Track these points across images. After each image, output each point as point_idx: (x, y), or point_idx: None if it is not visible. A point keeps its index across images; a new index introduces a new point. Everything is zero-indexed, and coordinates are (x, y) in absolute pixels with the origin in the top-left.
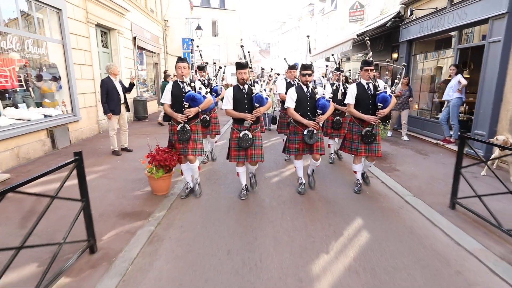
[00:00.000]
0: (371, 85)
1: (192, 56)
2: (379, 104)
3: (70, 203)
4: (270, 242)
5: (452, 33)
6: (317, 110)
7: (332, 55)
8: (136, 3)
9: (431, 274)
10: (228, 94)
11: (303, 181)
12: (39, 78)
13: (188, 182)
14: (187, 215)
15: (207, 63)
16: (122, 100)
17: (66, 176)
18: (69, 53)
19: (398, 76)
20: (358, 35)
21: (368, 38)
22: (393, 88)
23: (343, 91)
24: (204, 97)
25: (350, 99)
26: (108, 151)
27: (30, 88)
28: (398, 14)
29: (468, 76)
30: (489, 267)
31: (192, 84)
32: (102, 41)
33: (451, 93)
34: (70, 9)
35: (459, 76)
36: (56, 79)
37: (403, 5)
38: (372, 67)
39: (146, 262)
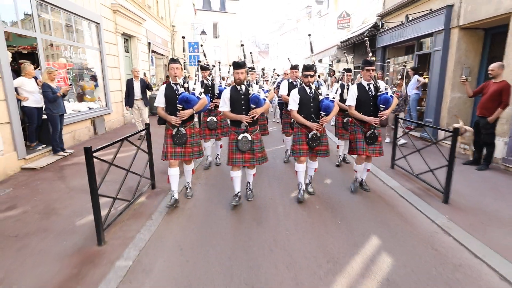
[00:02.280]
0: (372, 86)
1: (204, 58)
2: (381, 105)
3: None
4: (267, 252)
5: (413, 42)
6: (321, 112)
7: (330, 65)
8: (150, 12)
9: (372, 202)
10: (225, 95)
11: (304, 187)
12: (82, 78)
13: (173, 191)
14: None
15: (213, 66)
16: (137, 97)
17: (144, 137)
18: (104, 58)
19: (399, 76)
20: (342, 42)
21: (367, 38)
22: (394, 89)
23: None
24: (198, 98)
25: (351, 100)
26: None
27: (74, 86)
28: (375, 24)
29: (427, 76)
30: (401, 195)
31: (186, 85)
32: (124, 47)
33: (411, 90)
34: (105, 22)
35: (417, 76)
36: (94, 79)
37: (379, 17)
38: (373, 67)
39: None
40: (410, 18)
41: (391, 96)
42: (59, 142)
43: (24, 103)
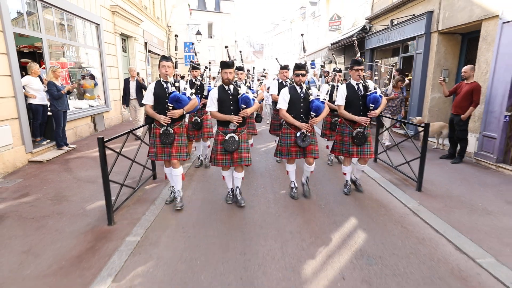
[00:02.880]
0: (361, 86)
1: (194, 57)
2: (370, 105)
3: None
4: (262, 256)
5: (398, 45)
6: (311, 112)
7: (322, 66)
8: (147, 13)
9: (353, 190)
10: (213, 95)
11: (296, 185)
12: (83, 77)
13: (173, 186)
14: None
15: (206, 67)
16: (132, 97)
17: (148, 129)
18: (103, 58)
19: (388, 77)
20: (332, 44)
21: (355, 38)
22: (383, 89)
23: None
24: (189, 98)
25: (340, 100)
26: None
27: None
28: (364, 27)
29: (411, 78)
30: (380, 184)
31: (177, 84)
32: (122, 47)
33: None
34: (104, 23)
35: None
36: (93, 78)
37: (367, 20)
38: (362, 67)
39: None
40: (395, 22)
41: (380, 95)
42: (63, 137)
43: (30, 101)
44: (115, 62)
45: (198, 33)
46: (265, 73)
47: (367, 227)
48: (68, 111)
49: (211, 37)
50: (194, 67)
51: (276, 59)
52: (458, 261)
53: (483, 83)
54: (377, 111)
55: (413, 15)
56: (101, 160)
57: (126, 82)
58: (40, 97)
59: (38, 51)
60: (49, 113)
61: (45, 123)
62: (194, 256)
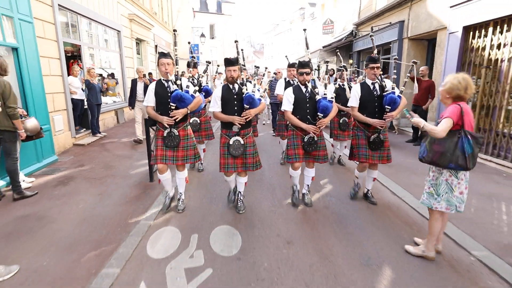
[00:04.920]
0: (377, 85)
1: (195, 56)
2: (386, 106)
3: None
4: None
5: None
6: (318, 113)
7: (318, 67)
8: (156, 18)
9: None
10: (216, 94)
11: (298, 188)
12: (111, 76)
13: (167, 192)
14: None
15: (208, 62)
16: (140, 98)
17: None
18: (123, 60)
19: (408, 75)
20: (324, 46)
21: (338, 50)
22: (401, 88)
23: (348, 90)
24: (193, 96)
25: (354, 101)
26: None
27: (101, 83)
28: (352, 32)
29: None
30: None
31: (178, 82)
32: (136, 50)
33: None
34: (124, 30)
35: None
36: (113, 76)
37: (354, 26)
38: (378, 65)
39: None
40: (376, 29)
41: (398, 96)
42: (96, 126)
43: (72, 96)
44: (132, 63)
45: (202, 35)
46: (268, 71)
47: (334, 189)
48: (101, 104)
49: (213, 38)
50: (192, 65)
51: (286, 56)
52: (396, 202)
53: (439, 81)
54: (394, 113)
55: (390, 23)
56: (146, 134)
57: (134, 83)
58: (79, 93)
59: (67, 54)
60: (85, 107)
61: (82, 115)
62: (211, 211)
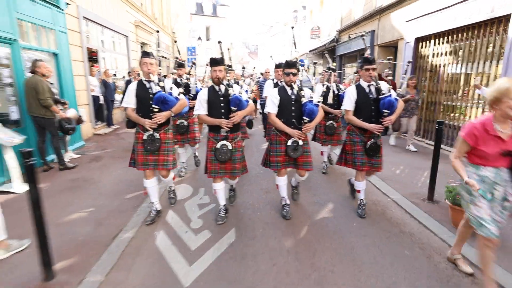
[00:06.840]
0: (373, 88)
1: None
2: (384, 110)
3: None
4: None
5: (356, 53)
6: (304, 117)
7: (307, 67)
8: (157, 22)
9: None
10: (201, 97)
11: (288, 202)
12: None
13: (153, 203)
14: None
15: (194, 63)
16: None
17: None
18: (130, 62)
19: (403, 76)
20: (310, 50)
21: (327, 52)
22: (398, 90)
23: (336, 92)
24: (177, 98)
25: (349, 104)
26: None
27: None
28: (335, 38)
29: None
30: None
31: (162, 84)
32: (141, 52)
33: None
34: (131, 35)
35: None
36: (123, 77)
37: (337, 32)
38: (374, 66)
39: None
40: (353, 36)
41: (395, 99)
42: (111, 119)
43: (91, 93)
44: (137, 65)
45: (199, 39)
46: (255, 72)
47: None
48: (114, 100)
49: (208, 40)
50: (180, 64)
51: (271, 56)
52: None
53: (399, 82)
54: (393, 117)
55: (364, 31)
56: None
57: (128, 84)
58: (97, 91)
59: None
60: (101, 102)
61: (97, 109)
62: None
